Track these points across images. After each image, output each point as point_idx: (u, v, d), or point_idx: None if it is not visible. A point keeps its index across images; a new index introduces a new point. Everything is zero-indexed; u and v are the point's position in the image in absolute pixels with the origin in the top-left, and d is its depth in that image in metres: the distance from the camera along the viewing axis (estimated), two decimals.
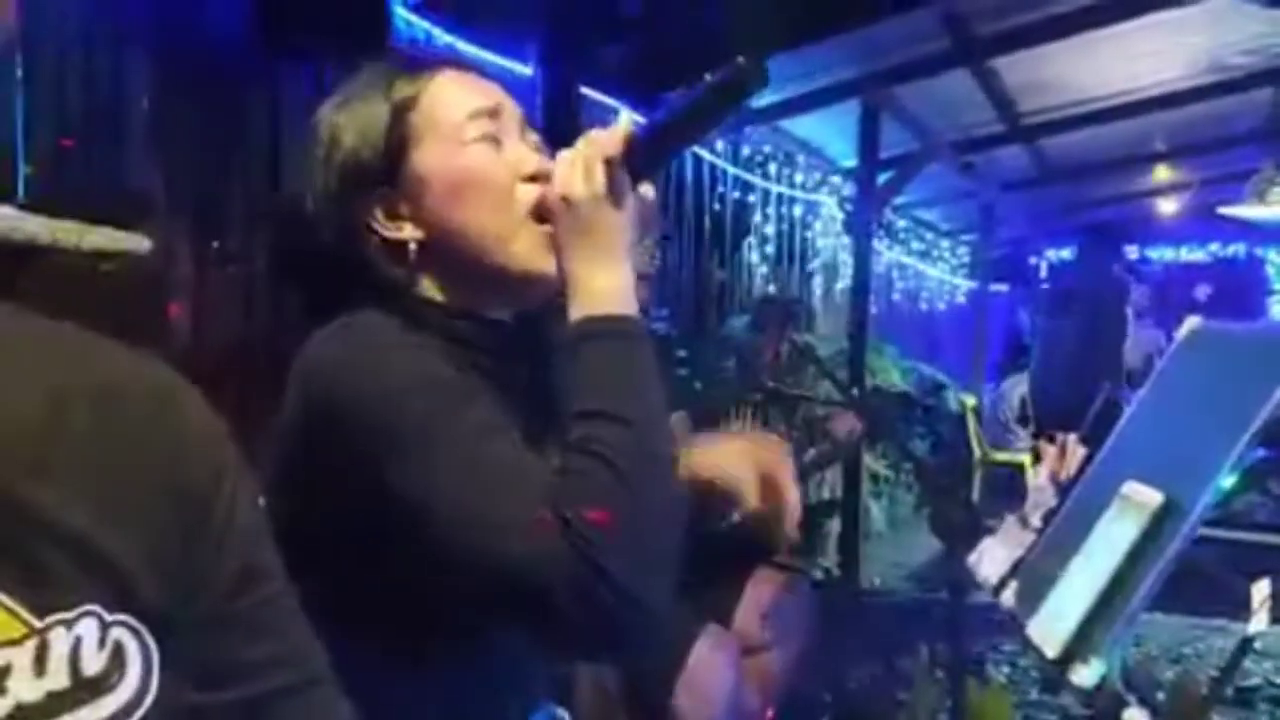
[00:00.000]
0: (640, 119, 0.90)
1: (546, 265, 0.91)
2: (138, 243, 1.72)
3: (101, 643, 0.51)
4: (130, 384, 0.59)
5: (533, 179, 0.92)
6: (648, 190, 0.91)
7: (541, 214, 0.91)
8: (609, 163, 0.86)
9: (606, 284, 0.86)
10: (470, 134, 0.92)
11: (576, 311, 0.87)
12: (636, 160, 0.88)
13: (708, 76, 0.86)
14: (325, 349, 0.86)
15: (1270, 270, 9.79)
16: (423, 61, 0.97)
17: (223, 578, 0.58)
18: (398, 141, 0.91)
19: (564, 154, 0.89)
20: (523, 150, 0.94)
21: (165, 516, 0.56)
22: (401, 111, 0.91)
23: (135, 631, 0.53)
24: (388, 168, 0.91)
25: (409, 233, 0.91)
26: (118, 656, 0.51)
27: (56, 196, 1.96)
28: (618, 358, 0.84)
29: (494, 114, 0.94)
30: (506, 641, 0.90)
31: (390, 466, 0.79)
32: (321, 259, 0.93)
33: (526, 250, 0.91)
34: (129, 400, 0.58)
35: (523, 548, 0.75)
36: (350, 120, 0.92)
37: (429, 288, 0.94)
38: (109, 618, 0.51)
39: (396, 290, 0.92)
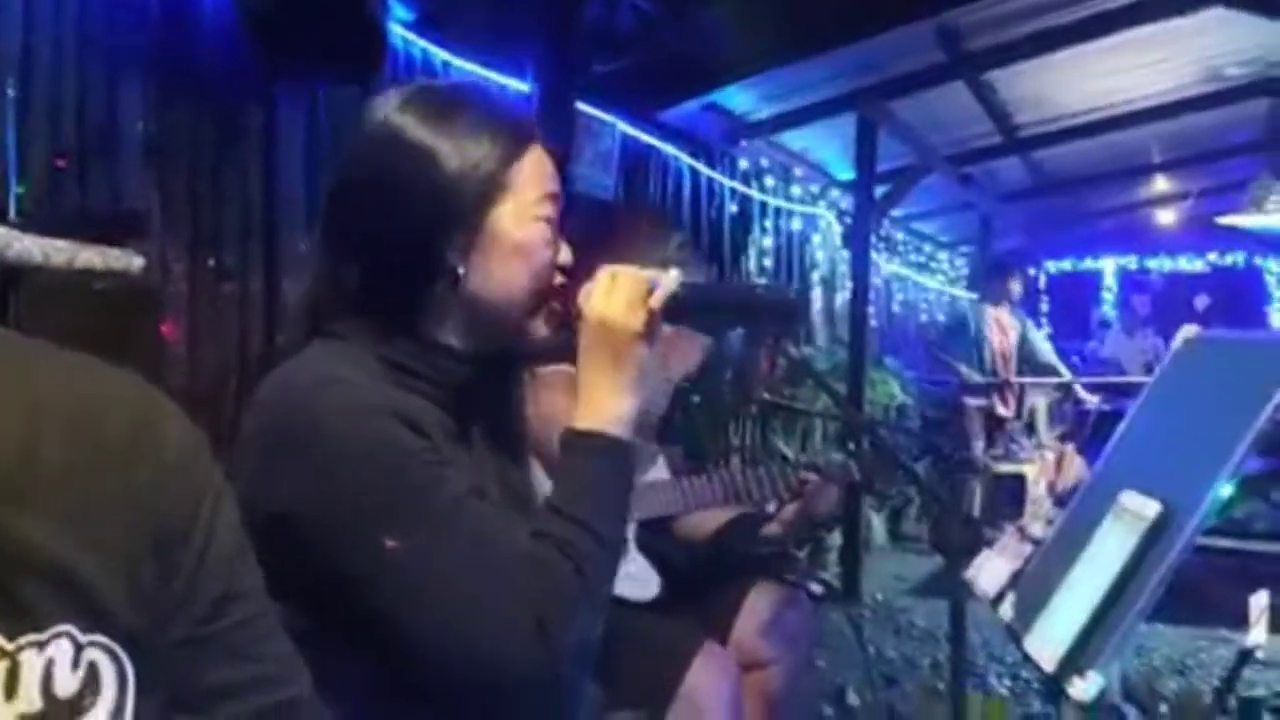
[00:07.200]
0: (685, 280, 1.02)
1: (544, 330, 1.04)
2: (130, 261, 1.72)
3: (75, 664, 0.50)
4: (110, 404, 0.58)
5: (560, 269, 1.04)
6: (697, 338, 1.04)
7: (552, 294, 1.03)
8: (651, 312, 0.98)
9: (615, 407, 0.98)
10: (541, 212, 1.01)
11: (583, 419, 0.98)
12: (671, 313, 1.00)
13: (762, 290, 0.99)
14: (293, 397, 0.92)
15: (1269, 279, 9.79)
16: (526, 120, 1.05)
17: (202, 600, 0.58)
18: (492, 191, 0.98)
19: (603, 274, 1.00)
20: (559, 239, 1.04)
21: (144, 540, 0.55)
22: (503, 165, 0.99)
23: (111, 653, 0.52)
24: (474, 208, 0.98)
25: (457, 263, 0.98)
26: (92, 678, 0.51)
27: (49, 215, 1.96)
28: (606, 477, 0.96)
29: (556, 201, 1.03)
30: None
31: (367, 538, 0.85)
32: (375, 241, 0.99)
33: (539, 322, 1.03)
34: (108, 421, 0.57)
35: (495, 637, 0.85)
36: (453, 149, 0.97)
37: (438, 315, 1.00)
38: (84, 639, 0.51)
39: (408, 307, 0.99)
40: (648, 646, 1.60)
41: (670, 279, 1.00)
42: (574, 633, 0.87)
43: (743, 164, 5.34)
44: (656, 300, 0.98)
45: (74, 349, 0.59)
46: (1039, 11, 3.98)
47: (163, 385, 0.63)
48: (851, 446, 2.08)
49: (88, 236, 1.57)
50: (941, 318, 8.78)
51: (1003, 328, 5.62)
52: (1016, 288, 5.72)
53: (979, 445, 5.33)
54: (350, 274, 0.98)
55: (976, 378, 5.42)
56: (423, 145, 0.97)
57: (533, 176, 1.01)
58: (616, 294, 0.98)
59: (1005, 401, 5.54)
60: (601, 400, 0.98)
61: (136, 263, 1.59)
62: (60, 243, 1.49)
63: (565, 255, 1.04)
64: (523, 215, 0.99)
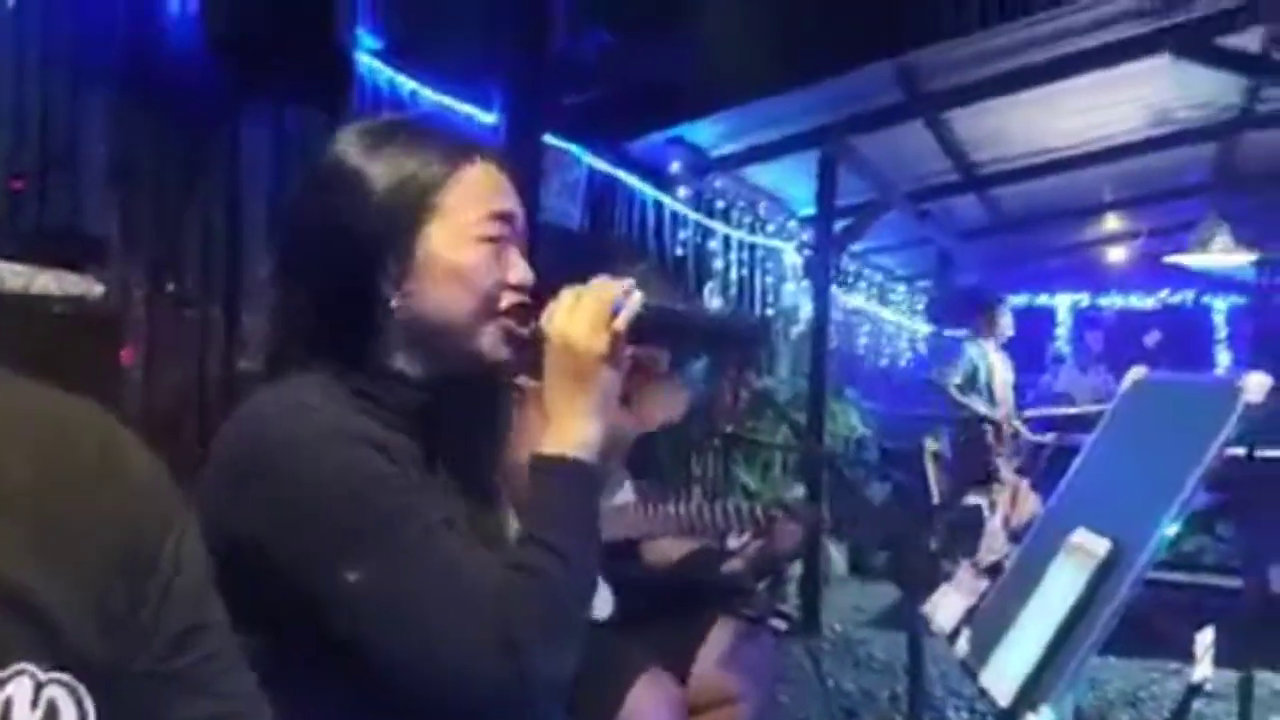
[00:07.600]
0: (649, 301, 1.00)
1: (501, 354, 1.01)
2: (89, 287, 1.70)
3: (35, 702, 0.50)
4: (82, 427, 0.58)
5: (515, 288, 1.01)
6: (673, 386, 1.01)
7: (505, 310, 1.00)
8: (616, 334, 0.96)
9: (580, 431, 0.96)
10: (481, 232, 0.99)
11: (549, 443, 0.96)
12: (635, 335, 0.99)
13: (726, 315, 0.95)
14: (266, 424, 0.92)
15: (1217, 317, 10.04)
16: (467, 141, 1.03)
17: (166, 633, 0.57)
18: (420, 213, 0.97)
19: (566, 294, 0.98)
20: (517, 258, 1.02)
21: (110, 571, 0.55)
22: (433, 187, 0.98)
23: (71, 689, 0.51)
24: (404, 231, 0.97)
25: (390, 293, 0.97)
26: (51, 716, 0.50)
27: (7, 238, 1.93)
28: (573, 499, 0.95)
29: (508, 219, 1.01)
30: None
31: (337, 563, 0.85)
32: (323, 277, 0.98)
33: (489, 343, 1.00)
34: (74, 451, 0.57)
35: (466, 662, 0.84)
36: (385, 171, 0.97)
37: (386, 343, 0.99)
38: (43, 676, 0.50)
39: (356, 338, 0.97)
40: (593, 664, 1.59)
41: (634, 300, 0.98)
42: (545, 658, 0.87)
43: (706, 197, 5.39)
44: (620, 322, 0.97)
45: (30, 374, 0.59)
46: (996, 55, 4.08)
47: (120, 413, 0.63)
48: (823, 490, 2.10)
49: (46, 260, 1.55)
50: (908, 352, 8.89)
51: (998, 365, 5.63)
52: (1005, 322, 5.62)
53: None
54: (300, 303, 0.98)
55: (995, 416, 5.42)
56: (357, 172, 0.97)
57: (470, 197, 0.99)
58: (579, 314, 0.96)
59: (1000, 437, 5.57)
60: (567, 424, 0.97)
61: (96, 290, 1.57)
62: (18, 267, 1.47)
63: (521, 274, 1.01)
64: (459, 236, 0.98)
